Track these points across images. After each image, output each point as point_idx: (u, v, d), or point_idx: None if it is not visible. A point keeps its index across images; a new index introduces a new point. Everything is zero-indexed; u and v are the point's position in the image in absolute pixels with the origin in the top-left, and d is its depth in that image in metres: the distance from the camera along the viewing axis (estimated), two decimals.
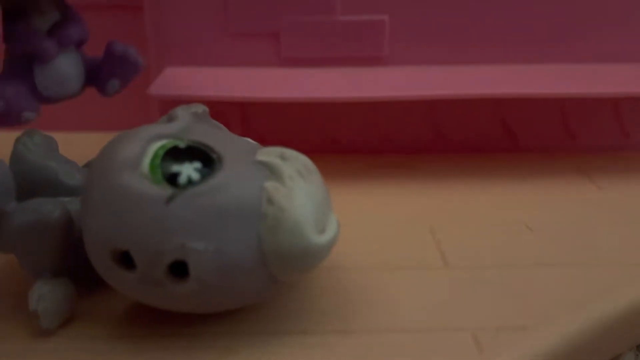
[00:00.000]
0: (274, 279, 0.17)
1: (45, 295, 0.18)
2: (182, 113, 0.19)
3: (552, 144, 0.32)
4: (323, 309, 0.19)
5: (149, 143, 0.17)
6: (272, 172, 0.17)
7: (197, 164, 0.17)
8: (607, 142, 0.32)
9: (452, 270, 0.21)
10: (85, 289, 0.20)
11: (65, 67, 0.24)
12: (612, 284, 0.20)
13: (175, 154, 0.17)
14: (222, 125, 0.19)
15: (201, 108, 0.19)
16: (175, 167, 0.17)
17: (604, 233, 0.24)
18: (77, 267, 0.18)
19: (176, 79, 0.28)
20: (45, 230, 0.18)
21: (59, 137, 0.23)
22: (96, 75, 0.25)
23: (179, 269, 0.16)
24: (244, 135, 0.31)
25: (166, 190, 0.16)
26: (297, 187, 0.17)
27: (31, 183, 0.20)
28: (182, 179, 0.16)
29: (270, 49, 0.30)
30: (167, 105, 0.30)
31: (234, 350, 0.18)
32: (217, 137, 0.18)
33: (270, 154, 0.17)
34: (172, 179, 0.16)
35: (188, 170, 0.17)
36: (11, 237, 0.18)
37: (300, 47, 0.29)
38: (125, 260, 0.17)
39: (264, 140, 0.31)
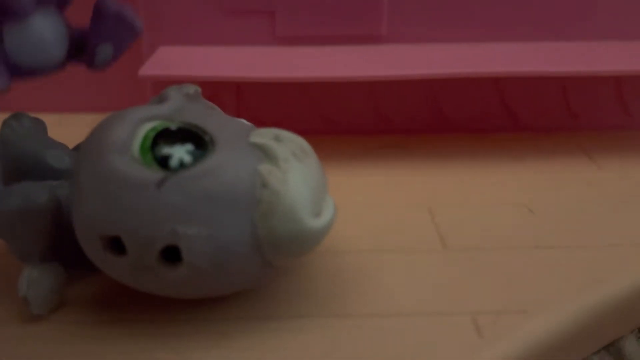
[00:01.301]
0: (269, 264, 0.17)
1: (35, 281, 0.17)
2: (174, 93, 0.18)
3: (553, 123, 0.31)
4: (319, 293, 0.19)
5: (139, 125, 0.17)
6: (266, 154, 0.16)
7: (189, 146, 0.16)
8: (608, 121, 0.31)
9: (451, 253, 0.21)
10: (75, 273, 0.19)
11: (43, 29, 0.20)
12: (613, 265, 0.20)
13: (167, 136, 0.17)
14: (215, 106, 0.19)
15: (193, 88, 0.18)
16: (166, 150, 0.16)
17: (606, 214, 0.23)
18: (66, 251, 0.18)
19: (169, 58, 0.28)
20: (33, 215, 0.17)
21: (48, 118, 0.22)
22: (82, 46, 0.21)
23: (171, 255, 0.16)
24: (239, 116, 0.31)
25: (157, 174, 0.16)
26: (292, 170, 0.16)
27: (19, 167, 0.19)
28: (174, 162, 0.16)
29: (265, 28, 0.29)
30: (160, 86, 0.29)
31: (228, 335, 0.17)
32: (209, 118, 0.17)
33: (264, 136, 0.17)
34: (163, 161, 0.16)
35: (179, 152, 0.16)
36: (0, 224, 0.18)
37: (296, 26, 0.29)
38: (116, 246, 0.16)
39: (259, 121, 0.30)
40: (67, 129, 0.30)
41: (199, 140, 0.17)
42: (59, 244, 0.18)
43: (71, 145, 0.21)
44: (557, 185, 0.26)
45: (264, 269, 0.17)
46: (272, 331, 0.17)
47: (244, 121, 0.18)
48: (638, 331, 0.20)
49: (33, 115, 0.21)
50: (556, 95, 0.31)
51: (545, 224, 0.23)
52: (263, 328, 0.18)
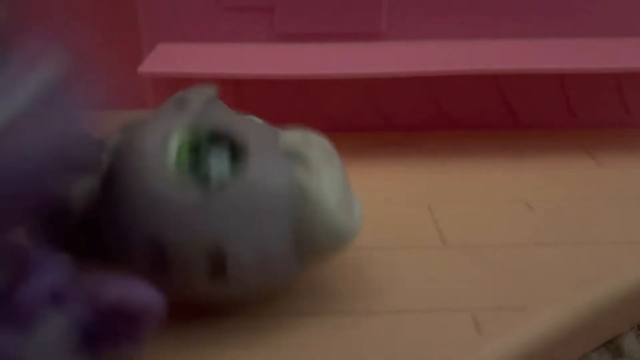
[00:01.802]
0: (305, 265, 0.17)
1: None
2: (194, 97, 0.18)
3: (552, 120, 0.31)
4: (319, 290, 0.19)
5: (169, 138, 0.17)
6: (300, 161, 0.17)
7: (224, 159, 0.16)
8: (608, 118, 0.31)
9: (451, 249, 0.21)
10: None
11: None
12: (612, 262, 0.20)
13: (199, 148, 0.17)
14: (226, 107, 0.19)
15: (212, 89, 0.19)
16: (203, 167, 0.16)
17: (605, 210, 0.23)
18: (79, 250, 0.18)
19: (168, 55, 0.28)
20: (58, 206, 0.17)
21: None
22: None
23: (216, 268, 0.16)
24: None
25: (198, 191, 0.16)
26: (325, 175, 0.17)
27: None
28: (214, 173, 0.16)
29: (264, 24, 0.29)
30: (160, 83, 0.29)
31: (226, 333, 0.17)
32: (233, 121, 0.17)
33: (294, 141, 0.17)
34: (202, 174, 0.16)
35: (217, 162, 0.16)
36: None
37: (295, 22, 0.29)
38: (160, 262, 0.16)
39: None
40: None
41: (232, 148, 0.17)
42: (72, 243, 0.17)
43: None
44: (556, 182, 0.26)
45: (300, 269, 0.17)
46: (273, 329, 0.17)
47: (260, 120, 0.19)
48: (637, 328, 0.20)
49: None
50: (556, 92, 0.31)
51: (545, 220, 0.23)
52: (264, 325, 0.18)
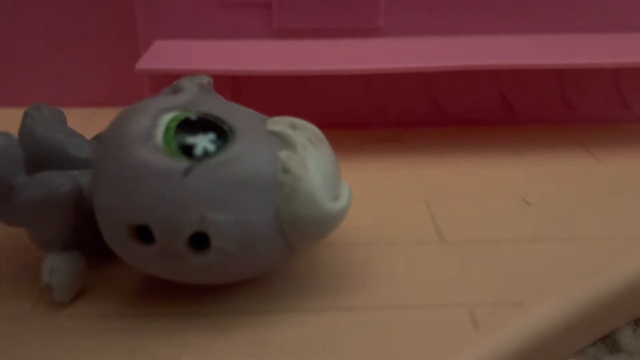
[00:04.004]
0: (290, 246, 0.17)
1: (57, 269, 0.18)
2: (188, 84, 0.18)
3: (550, 116, 0.31)
4: (316, 286, 0.19)
5: (158, 115, 0.17)
6: (284, 141, 0.17)
7: (211, 136, 0.17)
8: (606, 114, 0.31)
9: (448, 245, 0.21)
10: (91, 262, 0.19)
11: None
12: (609, 258, 0.20)
13: (188, 126, 0.17)
14: (221, 97, 0.19)
15: (206, 79, 0.19)
16: (189, 139, 0.17)
17: (603, 206, 0.23)
18: (87, 241, 0.18)
19: (166, 52, 0.28)
20: (56, 204, 0.17)
21: None
22: None
23: (198, 241, 0.16)
24: None
25: (182, 163, 0.16)
26: (310, 155, 0.17)
27: (40, 156, 0.20)
28: (198, 151, 0.16)
29: (262, 20, 0.29)
30: (157, 80, 0.29)
31: (228, 329, 0.17)
32: (224, 108, 0.18)
33: (280, 124, 0.18)
34: (186, 151, 0.16)
35: (203, 142, 0.17)
36: (21, 212, 0.18)
37: (293, 18, 0.29)
38: (142, 234, 0.16)
39: None
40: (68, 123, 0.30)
41: (218, 129, 0.17)
42: (80, 233, 0.18)
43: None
44: (554, 178, 0.26)
45: (285, 252, 0.17)
46: (271, 325, 0.17)
47: (254, 111, 0.19)
48: (634, 323, 0.20)
49: None
50: (554, 88, 0.31)
51: (542, 216, 0.23)
52: (261, 322, 0.18)
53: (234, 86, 0.31)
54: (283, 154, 0.17)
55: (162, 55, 0.27)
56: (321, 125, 0.32)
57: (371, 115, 0.31)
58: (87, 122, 0.29)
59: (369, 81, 0.31)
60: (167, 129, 0.17)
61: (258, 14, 0.29)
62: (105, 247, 0.18)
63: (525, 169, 0.27)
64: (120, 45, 0.32)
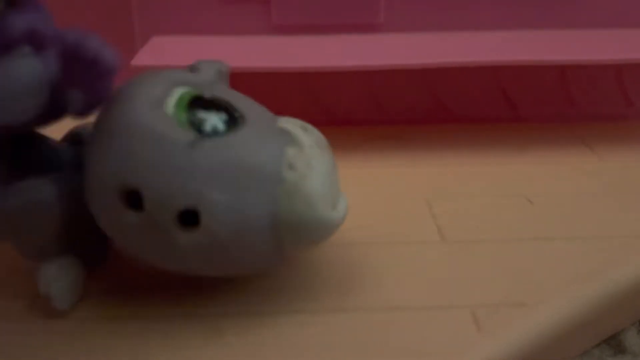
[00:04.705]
0: (280, 248, 0.17)
1: (54, 277, 0.17)
2: (206, 66, 0.18)
3: (553, 113, 0.31)
4: (316, 287, 0.19)
5: (173, 86, 0.17)
6: (293, 139, 0.17)
7: (223, 116, 0.17)
8: (609, 110, 0.31)
9: (450, 244, 0.21)
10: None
11: (16, 75, 0.16)
12: (614, 257, 0.20)
13: (201, 102, 0.17)
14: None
15: (225, 66, 0.19)
16: (201, 114, 0.16)
17: (605, 205, 0.23)
18: (79, 243, 0.18)
19: (162, 48, 0.27)
20: (38, 210, 0.17)
21: None
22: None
23: (188, 219, 0.16)
24: None
25: (190, 135, 0.16)
26: (316, 158, 0.17)
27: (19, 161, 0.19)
28: (208, 127, 0.16)
29: (261, 16, 0.29)
30: None
31: (226, 331, 0.17)
32: (238, 98, 0.18)
33: (291, 123, 0.18)
34: (197, 124, 0.16)
35: (214, 119, 0.16)
36: (4, 224, 0.17)
37: (292, 14, 0.29)
38: (133, 201, 0.16)
39: None
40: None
41: (230, 113, 0.17)
42: (72, 237, 0.18)
43: (64, 135, 0.21)
44: (556, 175, 0.26)
45: (275, 253, 0.17)
46: (270, 326, 0.17)
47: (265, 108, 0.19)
48: (639, 324, 0.20)
49: None
50: (556, 84, 0.31)
51: (545, 215, 0.23)
52: (260, 323, 0.17)
53: (233, 83, 0.30)
54: (291, 150, 0.17)
55: (159, 51, 0.27)
56: (321, 123, 0.31)
57: (371, 112, 0.31)
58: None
59: (369, 78, 0.30)
60: (181, 99, 0.16)
61: (257, 9, 0.29)
62: (98, 250, 0.17)
63: (528, 167, 0.26)
64: (117, 41, 0.31)
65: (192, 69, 0.18)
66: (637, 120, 0.31)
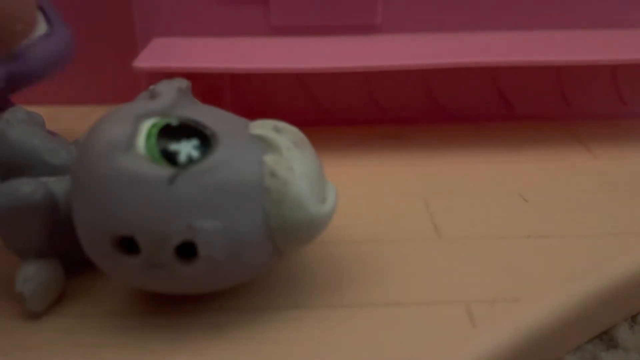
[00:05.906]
0: (279, 251, 0.17)
1: (32, 277, 0.17)
2: (166, 88, 0.18)
3: (548, 112, 0.31)
4: (314, 283, 0.19)
5: (138, 122, 0.16)
6: (269, 145, 0.17)
7: (195, 142, 0.16)
8: (604, 109, 0.31)
9: (446, 242, 0.21)
10: (73, 268, 0.19)
11: None
12: (606, 255, 0.20)
13: (169, 132, 0.16)
14: (199, 102, 0.19)
15: (184, 83, 0.18)
16: (172, 146, 0.16)
17: (600, 203, 0.23)
18: (64, 247, 0.18)
19: (163, 50, 0.28)
20: (25, 212, 0.17)
21: (43, 110, 0.22)
22: None
23: (185, 250, 0.16)
24: (235, 108, 0.31)
25: (167, 170, 0.16)
26: (295, 159, 0.17)
27: (14, 162, 0.19)
28: (182, 158, 0.16)
29: (259, 17, 0.29)
30: (155, 78, 0.29)
31: (225, 326, 0.17)
32: (205, 113, 0.17)
33: (263, 127, 0.17)
34: (170, 158, 0.16)
35: (187, 148, 0.16)
36: None
37: (290, 15, 0.29)
38: (128, 246, 0.16)
39: (255, 112, 0.30)
40: (62, 121, 0.30)
41: (201, 135, 0.17)
42: (56, 240, 0.18)
43: (70, 138, 0.21)
44: (551, 174, 0.26)
45: (274, 256, 0.17)
46: (268, 322, 0.18)
47: (235, 115, 0.18)
48: (631, 319, 0.20)
49: (27, 108, 0.21)
50: (551, 84, 0.31)
51: (539, 213, 0.23)
52: (259, 319, 0.18)
53: (232, 84, 0.31)
54: (269, 158, 0.16)
55: (160, 52, 0.27)
56: (319, 123, 0.32)
57: (369, 112, 0.31)
58: (84, 120, 0.29)
59: (367, 78, 0.31)
60: (149, 136, 0.16)
61: (256, 11, 0.29)
62: (82, 254, 0.17)
63: (523, 165, 0.27)
64: (118, 43, 0.31)
65: (152, 94, 0.18)
66: (631, 119, 0.31)
